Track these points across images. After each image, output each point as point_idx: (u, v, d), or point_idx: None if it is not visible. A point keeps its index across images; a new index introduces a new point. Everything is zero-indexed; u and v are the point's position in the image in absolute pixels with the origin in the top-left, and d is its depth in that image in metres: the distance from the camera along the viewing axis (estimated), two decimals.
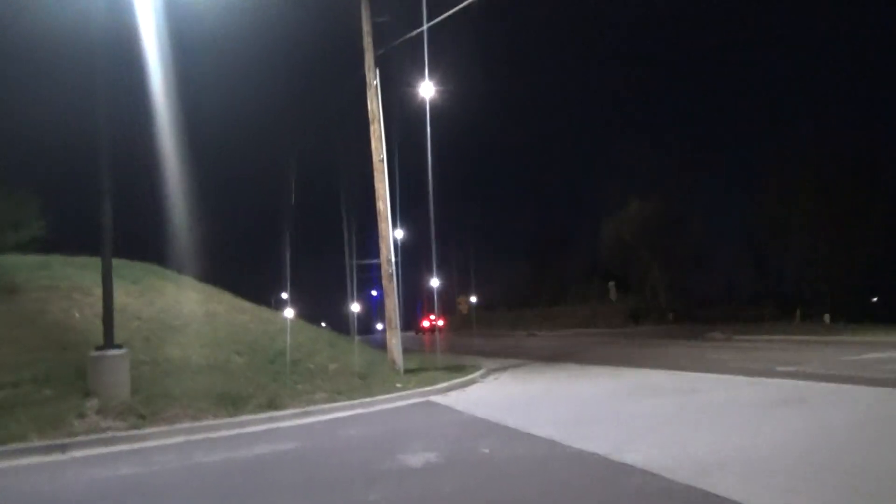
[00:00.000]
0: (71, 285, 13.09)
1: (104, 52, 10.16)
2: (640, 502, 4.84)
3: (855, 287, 38.64)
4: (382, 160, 14.72)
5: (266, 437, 8.47)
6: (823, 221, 36.51)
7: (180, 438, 8.53)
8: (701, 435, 6.99)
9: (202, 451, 7.71)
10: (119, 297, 11.52)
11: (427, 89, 14.88)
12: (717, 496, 4.75)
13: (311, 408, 10.14)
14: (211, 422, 9.10)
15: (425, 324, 58.12)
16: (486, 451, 6.87)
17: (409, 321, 59.30)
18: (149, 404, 9.24)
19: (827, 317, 30.93)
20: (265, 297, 31.32)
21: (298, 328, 16.48)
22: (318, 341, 15.46)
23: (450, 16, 13.33)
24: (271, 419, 9.51)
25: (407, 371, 14.04)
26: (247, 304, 16.75)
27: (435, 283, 42.88)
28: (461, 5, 12.97)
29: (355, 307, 45.17)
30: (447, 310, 65.91)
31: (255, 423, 9.29)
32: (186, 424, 8.91)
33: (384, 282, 14.76)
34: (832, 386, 10.06)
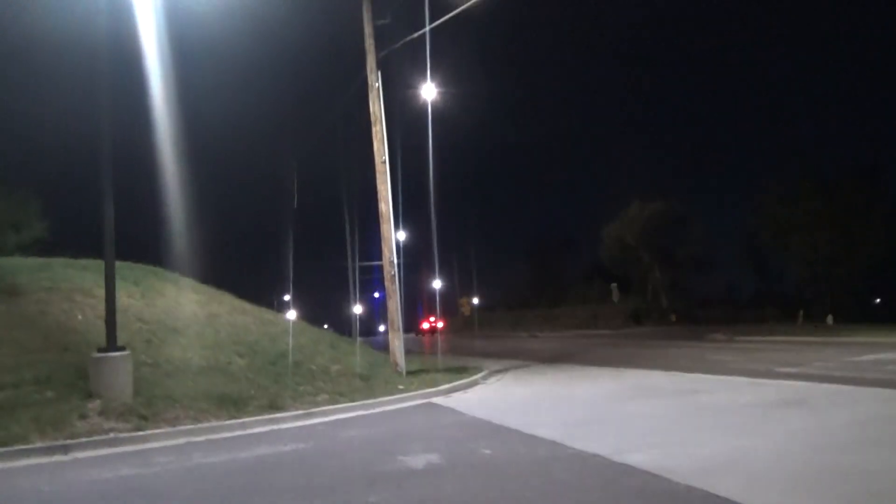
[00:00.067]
0: (72, 287, 13.10)
1: (106, 54, 10.17)
2: (641, 502, 4.84)
3: (856, 288, 38.63)
4: (384, 162, 14.74)
5: (267, 439, 8.48)
6: (824, 222, 36.48)
7: (182, 440, 8.55)
8: (702, 436, 7.00)
9: (203, 453, 7.72)
10: (121, 298, 11.54)
11: (429, 91, 14.89)
12: (718, 497, 4.75)
13: (313, 409, 10.15)
14: (212, 423, 9.11)
15: (425, 325, 58.14)
16: (488, 452, 6.88)
17: (411, 323, 59.35)
18: (150, 405, 9.25)
19: (829, 318, 30.90)
20: (267, 298, 31.33)
21: (300, 330, 16.49)
22: (320, 343, 15.46)
23: (451, 18, 13.35)
24: (272, 420, 9.52)
25: (409, 373, 14.04)
26: (248, 306, 16.75)
27: (437, 284, 42.84)
28: (463, 6, 12.98)
29: (357, 309, 45.12)
30: (449, 311, 65.95)
31: (256, 425, 9.29)
32: (188, 426, 8.92)
33: (386, 283, 14.77)
34: (833, 387, 10.06)
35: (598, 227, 54.02)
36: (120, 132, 11.67)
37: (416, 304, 57.00)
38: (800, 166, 38.73)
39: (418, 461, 6.57)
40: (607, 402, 10.09)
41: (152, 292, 14.30)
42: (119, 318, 10.20)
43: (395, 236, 15.02)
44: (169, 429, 8.76)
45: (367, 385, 12.13)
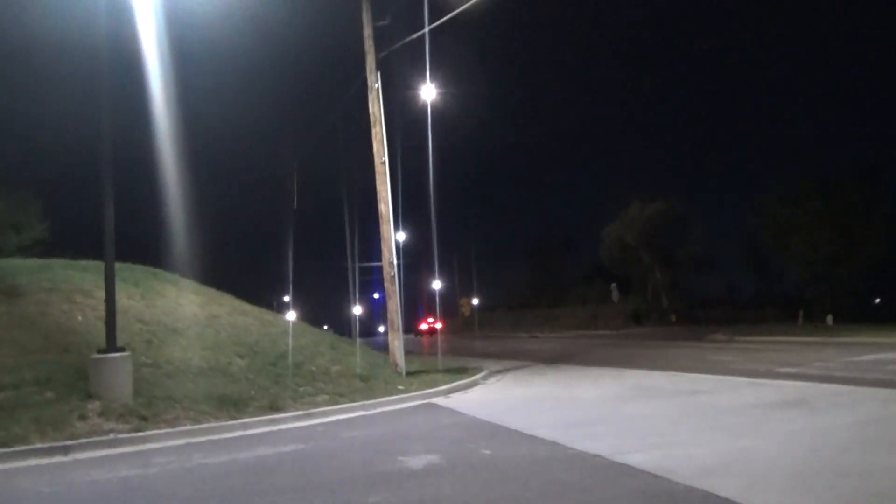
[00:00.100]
0: (72, 288, 13.10)
1: (107, 56, 10.18)
2: (642, 503, 4.83)
3: (856, 288, 38.62)
4: (384, 163, 14.74)
5: (267, 439, 8.48)
6: (824, 222, 36.47)
7: (182, 440, 8.55)
8: (702, 436, 7.00)
9: (203, 453, 7.72)
10: (121, 299, 11.54)
11: (428, 92, 14.90)
12: (719, 497, 4.75)
13: (313, 410, 10.15)
14: (212, 424, 9.11)
15: (423, 326, 58.20)
16: (488, 452, 6.88)
17: (411, 324, 59.37)
18: (150, 406, 9.25)
19: (829, 318, 30.89)
20: (267, 299, 31.37)
21: (300, 331, 16.49)
22: (320, 344, 15.46)
23: (451, 19, 13.35)
24: (273, 421, 9.52)
25: (409, 373, 14.04)
26: (248, 307, 16.75)
27: (437, 285, 42.82)
28: (462, 7, 12.99)
29: (357, 310, 45.13)
30: (449, 312, 65.93)
31: (256, 426, 9.29)
32: (188, 426, 8.92)
33: (386, 284, 14.77)
34: (834, 387, 10.06)
35: (598, 227, 54.09)
36: (120, 133, 11.69)
37: (416, 304, 57.05)
38: (800, 166, 38.91)
39: (418, 462, 6.57)
40: (607, 402, 10.09)
41: (152, 293, 14.30)
42: (119, 319, 10.20)
43: (394, 237, 15.02)
44: (169, 429, 8.76)
45: (367, 386, 12.13)
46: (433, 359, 19.23)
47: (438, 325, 54.06)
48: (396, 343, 14.43)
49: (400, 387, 12.34)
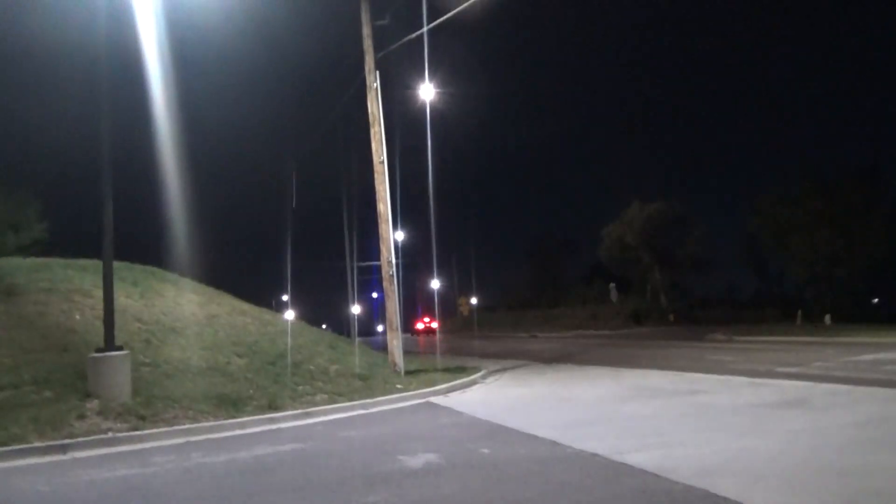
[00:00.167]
0: (71, 287, 13.08)
1: (106, 56, 10.17)
2: (641, 502, 4.83)
3: (856, 288, 38.64)
4: (383, 162, 14.73)
5: (266, 439, 8.46)
6: (824, 222, 36.47)
7: (180, 439, 8.53)
8: (702, 436, 6.99)
9: (202, 453, 7.71)
10: (119, 299, 11.53)
11: (427, 91, 14.90)
12: (718, 496, 4.74)
13: (312, 409, 10.14)
14: (211, 423, 9.10)
15: (419, 326, 58.27)
16: (487, 451, 6.87)
17: (410, 323, 59.42)
18: (149, 406, 9.24)
19: (828, 318, 30.90)
20: (266, 299, 31.42)
21: (299, 330, 16.47)
22: (319, 343, 15.44)
23: (450, 18, 13.34)
24: (271, 420, 9.51)
25: (407, 373, 14.04)
26: (247, 307, 16.74)
27: (436, 284, 42.86)
28: (461, 7, 12.97)
29: (356, 309, 45.20)
30: (448, 311, 65.94)
31: (255, 425, 9.28)
32: (186, 425, 8.91)
33: (385, 284, 14.76)
34: (833, 387, 10.06)
35: (598, 227, 54.05)
36: (120, 133, 11.69)
37: (414, 304, 57.10)
38: (800, 166, 38.90)
39: (417, 461, 6.56)
40: (607, 402, 10.08)
41: (151, 293, 14.29)
42: (118, 318, 10.19)
43: (393, 237, 15.02)
44: (167, 429, 8.75)
45: (366, 385, 12.12)
46: (431, 358, 19.23)
47: (434, 325, 54.06)
48: (395, 342, 14.43)
49: (399, 386, 12.34)
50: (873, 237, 36.01)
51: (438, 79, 15.16)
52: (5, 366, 9.77)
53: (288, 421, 9.61)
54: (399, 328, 14.72)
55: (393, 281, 14.57)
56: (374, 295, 53.04)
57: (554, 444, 7.00)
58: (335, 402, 10.72)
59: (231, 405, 9.72)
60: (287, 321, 17.54)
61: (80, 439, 8.14)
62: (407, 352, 16.05)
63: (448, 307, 65.57)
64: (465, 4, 12.93)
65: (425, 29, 13.67)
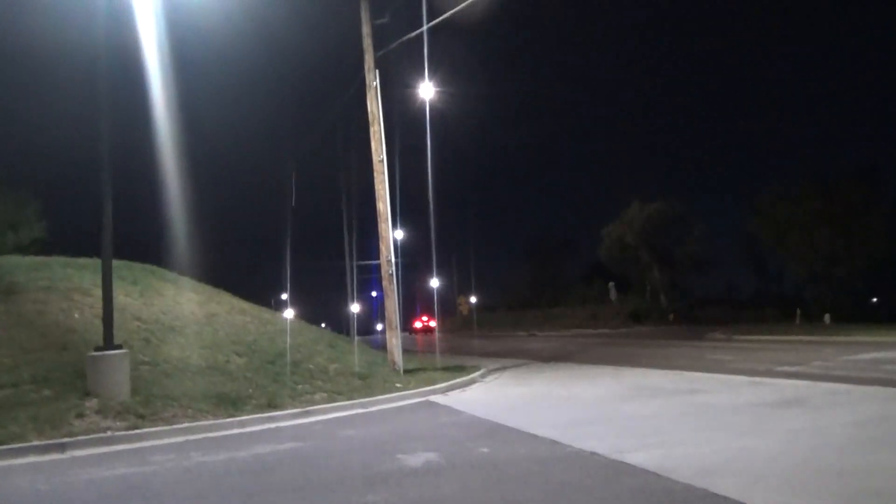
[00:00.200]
0: (70, 286, 13.07)
1: (107, 56, 10.16)
2: (641, 502, 4.82)
3: (855, 287, 38.67)
4: (382, 161, 14.72)
5: (265, 438, 8.45)
6: (824, 222, 36.50)
7: (179, 438, 8.52)
8: (702, 435, 6.98)
9: (201, 451, 7.69)
10: (119, 297, 11.52)
11: (427, 90, 14.89)
12: (718, 496, 4.73)
13: (311, 408, 10.13)
14: (210, 422, 9.08)
15: (417, 325, 58.31)
16: (487, 451, 6.86)
17: (409, 322, 59.47)
18: (148, 404, 9.23)
19: (827, 317, 30.91)
20: (265, 298, 31.38)
21: (298, 329, 16.46)
22: (318, 342, 15.44)
23: (450, 18, 13.33)
24: (271, 419, 9.50)
25: (407, 371, 14.03)
26: (247, 305, 16.73)
27: (435, 283, 42.88)
28: (460, 6, 12.96)
29: (355, 308, 45.14)
30: (447, 310, 66.00)
31: (254, 424, 9.27)
32: (186, 424, 8.90)
33: (384, 283, 14.75)
34: (832, 386, 10.05)
35: (598, 227, 54.10)
36: (120, 133, 11.68)
37: (414, 303, 57.10)
38: (800, 166, 38.94)
39: (417, 460, 6.55)
40: (607, 401, 10.07)
41: (150, 291, 14.27)
42: (117, 316, 10.18)
43: (392, 236, 15.01)
44: (166, 427, 8.74)
45: (365, 384, 12.11)
46: (430, 357, 19.22)
47: (433, 324, 54.08)
48: (394, 341, 14.42)
49: (398, 385, 12.33)
50: (873, 236, 36.05)
51: (438, 78, 15.16)
52: (4, 364, 9.75)
53: (287, 420, 9.60)
54: (398, 327, 14.72)
55: (392, 280, 14.56)
56: (374, 294, 53.02)
57: (554, 443, 6.99)
58: (334, 400, 10.71)
59: (230, 404, 9.71)
60: (286, 320, 17.53)
61: (79, 438, 8.13)
62: (406, 351, 16.05)
63: (448, 306, 65.68)
64: (465, 4, 12.92)
65: (425, 28, 13.67)
